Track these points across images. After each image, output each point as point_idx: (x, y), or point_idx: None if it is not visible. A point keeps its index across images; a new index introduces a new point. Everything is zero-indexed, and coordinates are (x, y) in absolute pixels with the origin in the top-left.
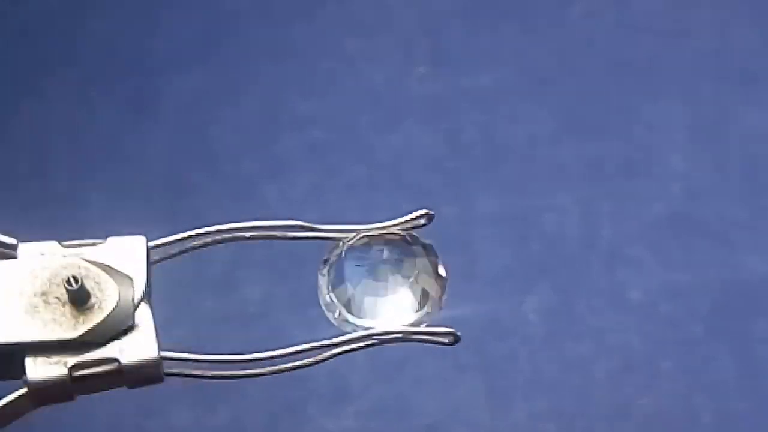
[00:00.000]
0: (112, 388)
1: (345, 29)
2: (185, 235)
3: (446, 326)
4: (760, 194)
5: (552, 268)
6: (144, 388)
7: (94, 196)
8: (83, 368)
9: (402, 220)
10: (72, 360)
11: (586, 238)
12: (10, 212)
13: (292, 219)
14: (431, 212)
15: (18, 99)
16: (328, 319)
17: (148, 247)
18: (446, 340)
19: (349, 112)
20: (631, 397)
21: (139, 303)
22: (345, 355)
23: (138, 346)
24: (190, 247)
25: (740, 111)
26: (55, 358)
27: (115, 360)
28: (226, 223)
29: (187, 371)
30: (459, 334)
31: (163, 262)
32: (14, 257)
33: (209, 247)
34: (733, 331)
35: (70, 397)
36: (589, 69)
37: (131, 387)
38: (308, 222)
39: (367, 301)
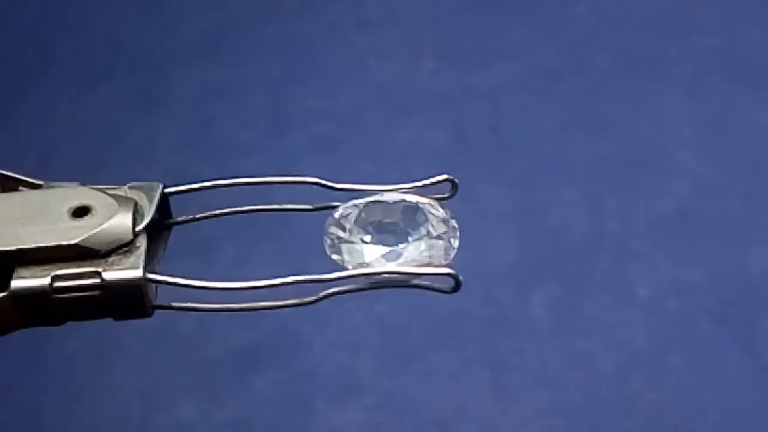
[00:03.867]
0: (97, 312)
1: (353, 25)
2: (202, 185)
3: (448, 269)
4: (767, 190)
5: (559, 263)
6: (150, 382)
7: None
8: (66, 279)
9: (425, 182)
10: (56, 271)
11: (593, 234)
12: None
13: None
14: (455, 179)
15: (25, 93)
16: (335, 314)
17: (163, 192)
18: (446, 288)
19: (357, 107)
20: (638, 393)
21: (141, 230)
22: (351, 345)
23: (124, 265)
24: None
25: (747, 107)
26: (42, 268)
27: (98, 273)
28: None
29: (177, 304)
30: (460, 278)
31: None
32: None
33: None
34: (740, 326)
35: (56, 318)
36: (596, 65)
37: (118, 317)
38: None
39: (368, 249)
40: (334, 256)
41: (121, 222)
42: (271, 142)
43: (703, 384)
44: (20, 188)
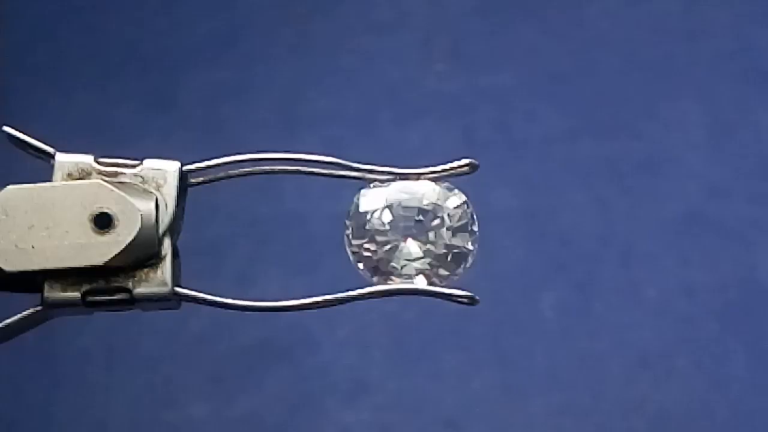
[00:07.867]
0: (126, 310)
1: (363, 26)
2: (221, 161)
3: (465, 290)
4: None
5: (568, 265)
6: (161, 379)
7: None
8: (96, 294)
9: (445, 167)
10: (87, 286)
11: (602, 236)
12: None
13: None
14: (475, 162)
15: (37, 93)
16: (345, 313)
17: (181, 171)
18: (465, 301)
19: (367, 108)
20: (645, 394)
21: (165, 232)
22: (361, 344)
23: (153, 278)
24: (226, 175)
25: (757, 110)
26: (71, 280)
27: (128, 290)
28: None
29: (201, 297)
30: (477, 298)
31: (198, 187)
32: (51, 163)
33: (242, 177)
34: (747, 328)
35: (84, 312)
36: (606, 68)
37: (145, 310)
38: (344, 162)
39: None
40: (360, 266)
41: (145, 236)
42: (282, 143)
43: (710, 385)
44: (30, 152)
